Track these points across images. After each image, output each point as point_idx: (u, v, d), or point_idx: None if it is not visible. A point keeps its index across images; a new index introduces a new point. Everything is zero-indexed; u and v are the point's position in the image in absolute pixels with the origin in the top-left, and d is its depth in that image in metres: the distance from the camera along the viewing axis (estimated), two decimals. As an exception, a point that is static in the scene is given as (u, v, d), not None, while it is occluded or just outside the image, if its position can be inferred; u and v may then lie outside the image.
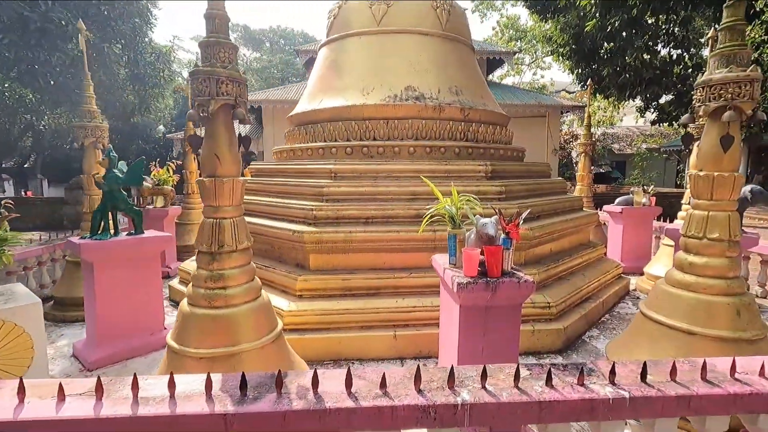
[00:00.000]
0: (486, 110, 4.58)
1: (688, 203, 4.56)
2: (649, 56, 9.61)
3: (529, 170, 4.67)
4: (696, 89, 2.40)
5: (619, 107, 21.73)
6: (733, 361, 1.63)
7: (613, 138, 25.35)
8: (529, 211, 2.31)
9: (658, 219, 6.15)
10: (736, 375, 1.63)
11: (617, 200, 5.92)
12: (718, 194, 2.34)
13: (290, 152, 4.67)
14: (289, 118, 5.03)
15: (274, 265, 3.69)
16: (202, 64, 2.08)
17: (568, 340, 3.42)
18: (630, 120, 28.56)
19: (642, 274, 5.28)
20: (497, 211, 2.27)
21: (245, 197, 4.46)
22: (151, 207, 5.63)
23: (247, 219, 4.12)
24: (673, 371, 1.60)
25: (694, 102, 2.44)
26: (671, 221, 6.97)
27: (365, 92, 4.33)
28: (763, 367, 1.63)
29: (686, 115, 2.47)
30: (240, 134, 2.24)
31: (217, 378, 1.58)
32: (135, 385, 1.42)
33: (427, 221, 2.37)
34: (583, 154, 6.83)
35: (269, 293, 3.50)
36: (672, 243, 4.71)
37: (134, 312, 3.17)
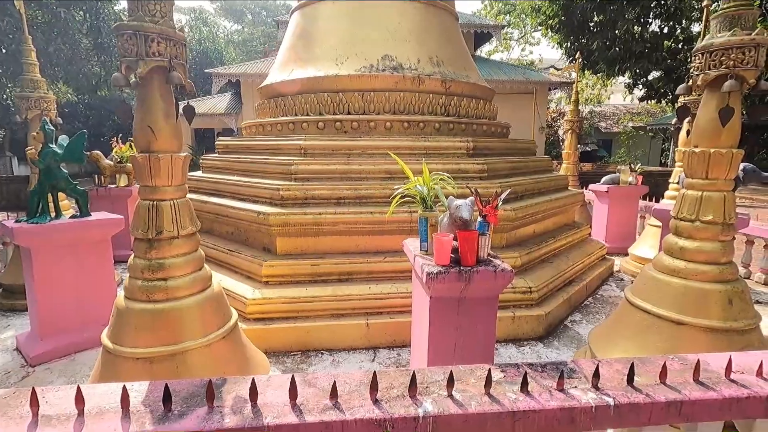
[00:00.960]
0: (469, 83, 4.29)
1: (677, 182, 4.40)
2: (639, 29, 9.32)
3: (513, 147, 4.44)
4: (694, 56, 2.16)
5: (607, 84, 21.54)
6: (729, 359, 1.45)
7: (600, 116, 25.23)
8: (509, 191, 2.08)
9: (645, 198, 6.02)
10: (732, 375, 1.46)
11: (603, 179, 5.75)
12: (714, 173, 2.14)
13: (259, 127, 4.34)
14: (259, 91, 4.68)
15: (240, 249, 3.43)
16: (127, 18, 1.76)
17: (550, 325, 3.27)
18: (617, 98, 28.42)
19: (627, 255, 5.16)
20: (473, 191, 2.03)
21: (211, 176, 4.16)
22: (113, 186, 5.27)
23: (213, 200, 3.84)
24: (663, 372, 1.42)
25: (691, 70, 2.21)
26: (657, 201, 6.87)
27: (339, 62, 4.00)
28: (761, 366, 1.46)
29: (682, 85, 2.25)
30: (178, 102, 1.93)
31: (140, 388, 1.34)
32: (34, 402, 1.18)
33: (396, 203, 2.13)
34: (569, 132, 6.62)
35: (234, 280, 3.27)
36: (658, 223, 4.57)
37: (82, 302, 2.89)
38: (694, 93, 2.38)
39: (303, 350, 2.96)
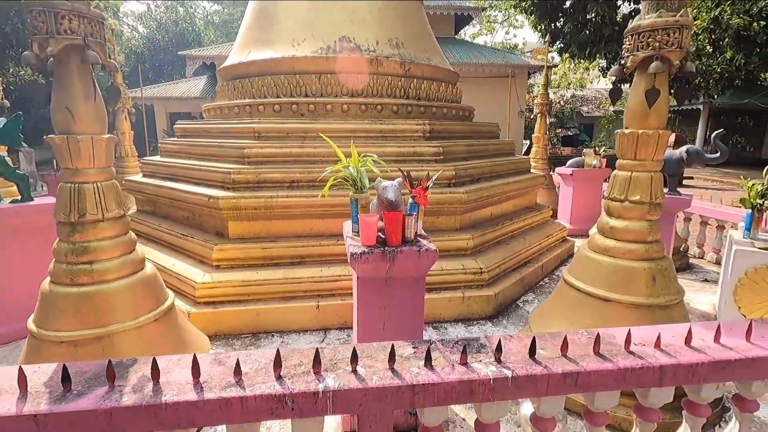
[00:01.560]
0: (430, 65, 4.27)
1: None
2: (609, 12, 9.33)
3: (474, 130, 4.45)
4: (625, 37, 2.18)
5: (588, 68, 21.61)
6: (629, 332, 1.50)
7: (583, 100, 25.37)
8: (438, 175, 2.09)
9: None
10: (632, 347, 1.52)
11: (569, 162, 5.83)
12: (642, 153, 2.18)
13: (217, 110, 4.27)
14: (219, 73, 4.59)
15: (194, 234, 3.41)
16: (37, -6, 1.70)
17: (500, 305, 3.34)
18: (601, 82, 28.55)
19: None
20: (404, 174, 2.04)
21: (168, 161, 4.10)
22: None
23: (169, 184, 3.79)
24: (564, 346, 1.47)
25: (623, 52, 2.23)
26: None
27: (295, 43, 3.93)
28: (658, 337, 1.52)
29: (614, 67, 2.27)
30: (95, 83, 1.89)
31: (47, 370, 1.35)
32: (-72, 384, 1.18)
33: (330, 185, 2.13)
34: (539, 115, 6.65)
35: (187, 264, 3.25)
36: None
37: (28, 288, 2.85)
38: (627, 73, 2.40)
39: (254, 333, 2.98)
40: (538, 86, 25.73)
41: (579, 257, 2.45)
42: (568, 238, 4.95)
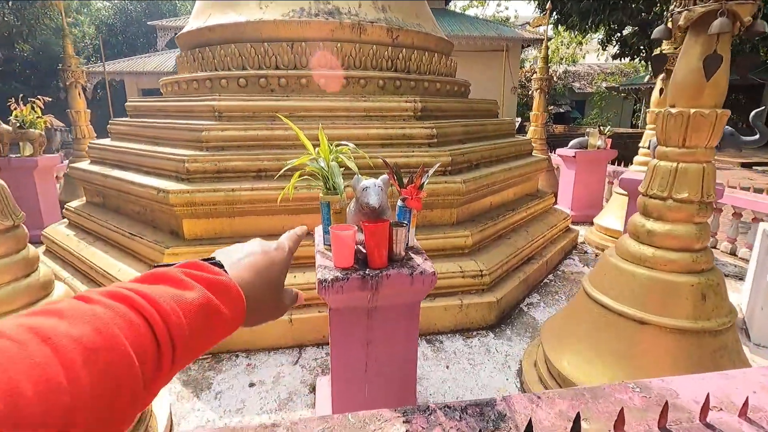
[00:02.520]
0: (421, 33, 3.71)
1: (647, 146, 4.04)
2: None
3: (471, 108, 3.94)
4: (677, -13, 1.68)
5: (583, 42, 20.97)
6: (707, 397, 1.07)
7: (575, 76, 24.77)
8: (435, 168, 1.61)
9: (613, 163, 5.70)
10: (710, 416, 1.10)
11: (571, 143, 5.37)
12: (694, 139, 1.72)
13: (174, 85, 3.68)
14: (178, 41, 3.96)
15: (144, 233, 2.89)
16: None
17: (503, 312, 2.93)
18: (592, 58, 27.89)
19: (592, 224, 4.87)
20: (391, 168, 1.55)
21: (117, 145, 3.52)
22: (15, 157, 4.53)
23: (115, 173, 3.23)
24: (621, 420, 1.04)
25: (672, 7, 1.73)
26: (626, 165, 6.58)
27: (263, 5, 3.33)
28: (745, 403, 1.09)
29: (660, 27, 1.78)
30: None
31: None
32: None
33: (295, 181, 1.63)
34: (538, 91, 6.14)
35: (135, 270, 2.75)
36: (625, 193, 4.24)
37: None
38: (673, 39, 1.92)
39: (215, 353, 2.52)
40: (530, 61, 24.95)
41: (605, 266, 2.01)
42: (570, 227, 4.54)
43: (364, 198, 1.39)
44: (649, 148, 3.07)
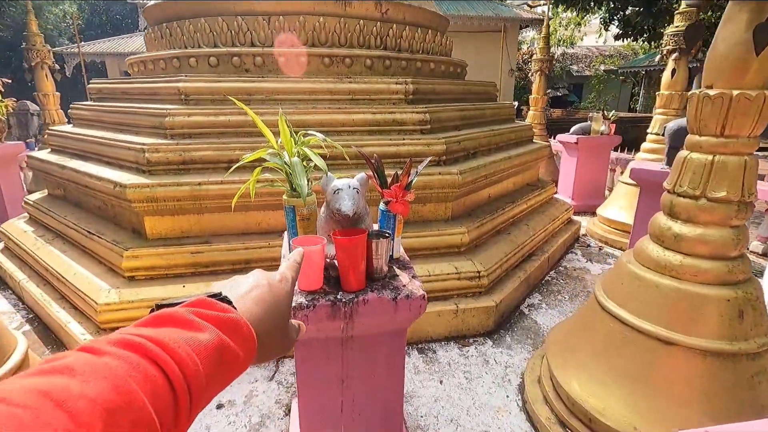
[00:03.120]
0: (413, 6, 3.36)
1: (656, 132, 3.76)
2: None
3: (467, 91, 3.62)
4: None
5: (582, 23, 20.47)
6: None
7: (573, 59, 24.24)
8: (424, 165, 1.32)
9: (616, 149, 5.43)
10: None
11: (573, 128, 5.07)
12: (735, 127, 1.44)
13: (141, 64, 3.33)
14: (144, 15, 3.59)
15: (104, 231, 2.59)
16: None
17: (502, 316, 2.68)
18: (590, 40, 27.30)
19: (594, 215, 4.62)
20: (372, 163, 1.26)
21: (77, 132, 3.19)
22: (-27, 144, 4.17)
23: (74, 164, 2.90)
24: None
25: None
26: (629, 151, 6.30)
27: (236, -27, 2.97)
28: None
29: (698, -9, 1.48)
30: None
31: None
32: None
33: (256, 178, 1.34)
34: (539, 73, 5.81)
35: (93, 273, 2.46)
36: (632, 182, 3.97)
37: None
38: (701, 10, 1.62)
39: (181, 367, 2.25)
40: (527, 43, 24.44)
41: (621, 274, 1.75)
42: (572, 218, 4.28)
43: (336, 203, 1.10)
44: (663, 134, 2.78)
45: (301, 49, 2.93)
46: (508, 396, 2.06)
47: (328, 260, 1.19)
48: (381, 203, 1.28)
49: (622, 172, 5.35)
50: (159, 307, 0.41)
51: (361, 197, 1.14)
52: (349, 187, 1.12)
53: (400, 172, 1.26)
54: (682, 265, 1.55)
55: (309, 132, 1.32)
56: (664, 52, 3.74)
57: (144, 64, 3.27)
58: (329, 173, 1.16)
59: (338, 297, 1.08)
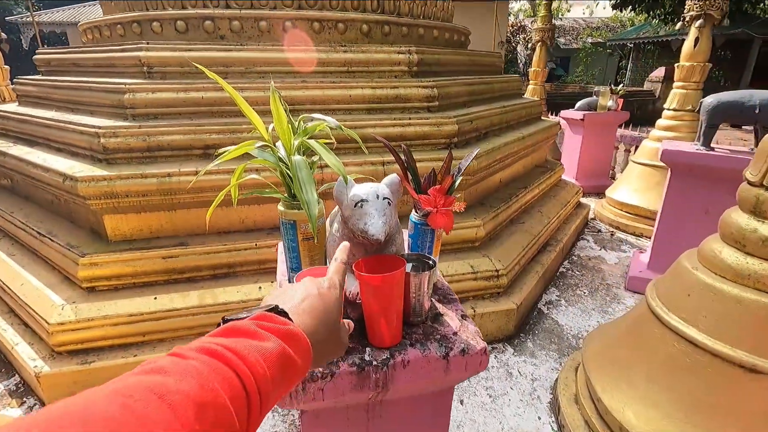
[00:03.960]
0: (413, -36, 2.92)
1: (675, 108, 3.47)
2: None
3: (473, 62, 3.24)
4: None
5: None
6: None
7: (560, 31, 23.73)
8: (470, 159, 0.97)
9: (624, 126, 5.15)
10: None
11: (578, 104, 4.75)
12: None
13: (95, 30, 2.83)
14: (98, -27, 3.06)
15: (58, 231, 2.19)
16: None
17: (522, 318, 2.40)
18: (577, 11, 26.76)
19: (602, 196, 4.36)
20: (404, 161, 0.91)
21: (22, 111, 2.71)
22: None
23: (16, 151, 2.38)
24: None
25: None
26: (634, 128, 6.04)
27: None
28: None
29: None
30: None
31: None
32: None
33: (238, 178, 0.97)
34: (540, 44, 5.43)
35: (44, 283, 2.06)
36: (647, 161, 3.70)
37: None
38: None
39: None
40: (514, 15, 23.80)
41: (686, 283, 1.46)
42: (580, 201, 4.02)
43: (360, 222, 0.75)
44: (698, 111, 2.47)
45: (286, 11, 2.49)
46: (539, 418, 1.80)
47: (348, 296, 0.85)
48: (413, 213, 0.94)
49: (627, 150, 5.09)
50: (225, 321, 0.45)
51: (392, 212, 0.80)
52: (378, 197, 0.77)
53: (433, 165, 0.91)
54: (771, 276, 1.27)
55: (313, 116, 0.96)
56: (686, 19, 3.41)
57: (99, 30, 2.78)
58: (343, 177, 0.80)
59: (366, 358, 0.75)
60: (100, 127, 1.99)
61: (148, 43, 2.24)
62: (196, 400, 0.32)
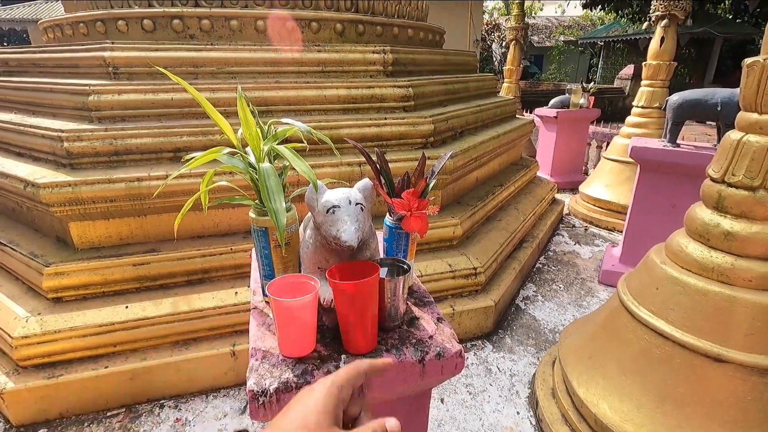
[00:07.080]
0: (387, -38, 2.91)
1: (642, 106, 3.58)
2: None
3: (449, 62, 3.26)
4: None
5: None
6: None
7: (533, 29, 24.14)
8: (444, 161, 0.97)
9: (596, 122, 5.28)
10: None
11: (552, 101, 4.85)
12: (810, 103, 1.18)
13: (57, 29, 2.71)
14: (58, -31, 2.92)
15: (21, 239, 2.09)
16: None
17: (500, 314, 2.44)
18: (550, 10, 27.29)
19: (575, 191, 4.46)
20: (376, 164, 0.90)
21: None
22: None
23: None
24: None
25: None
26: (605, 125, 6.19)
27: None
28: None
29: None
30: None
31: None
32: None
33: (207, 185, 0.94)
34: (513, 42, 5.51)
35: (10, 293, 1.97)
36: (618, 158, 3.80)
37: None
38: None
39: (129, 405, 1.85)
40: (489, 13, 24.04)
41: (655, 277, 1.50)
42: (555, 197, 4.10)
43: (333, 228, 0.74)
44: (664, 108, 2.56)
45: (258, 10, 2.44)
46: (518, 413, 1.83)
47: (323, 302, 0.84)
48: (387, 216, 0.93)
49: (599, 147, 5.23)
50: None
51: (366, 217, 0.79)
52: (350, 202, 0.76)
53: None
54: (734, 269, 1.32)
55: (282, 120, 0.94)
56: (653, 19, 3.51)
57: (60, 28, 2.66)
58: (314, 183, 0.79)
59: (341, 366, 0.74)
60: (63, 131, 1.91)
61: (113, 43, 2.16)
62: None
